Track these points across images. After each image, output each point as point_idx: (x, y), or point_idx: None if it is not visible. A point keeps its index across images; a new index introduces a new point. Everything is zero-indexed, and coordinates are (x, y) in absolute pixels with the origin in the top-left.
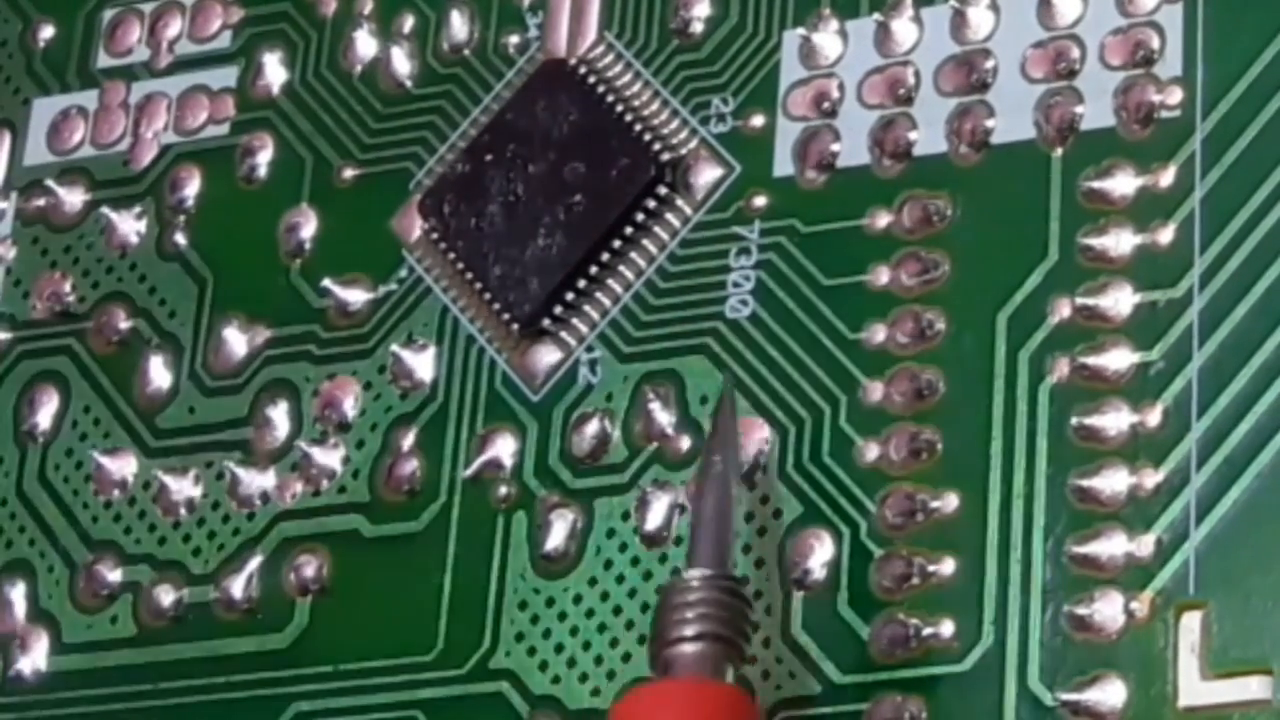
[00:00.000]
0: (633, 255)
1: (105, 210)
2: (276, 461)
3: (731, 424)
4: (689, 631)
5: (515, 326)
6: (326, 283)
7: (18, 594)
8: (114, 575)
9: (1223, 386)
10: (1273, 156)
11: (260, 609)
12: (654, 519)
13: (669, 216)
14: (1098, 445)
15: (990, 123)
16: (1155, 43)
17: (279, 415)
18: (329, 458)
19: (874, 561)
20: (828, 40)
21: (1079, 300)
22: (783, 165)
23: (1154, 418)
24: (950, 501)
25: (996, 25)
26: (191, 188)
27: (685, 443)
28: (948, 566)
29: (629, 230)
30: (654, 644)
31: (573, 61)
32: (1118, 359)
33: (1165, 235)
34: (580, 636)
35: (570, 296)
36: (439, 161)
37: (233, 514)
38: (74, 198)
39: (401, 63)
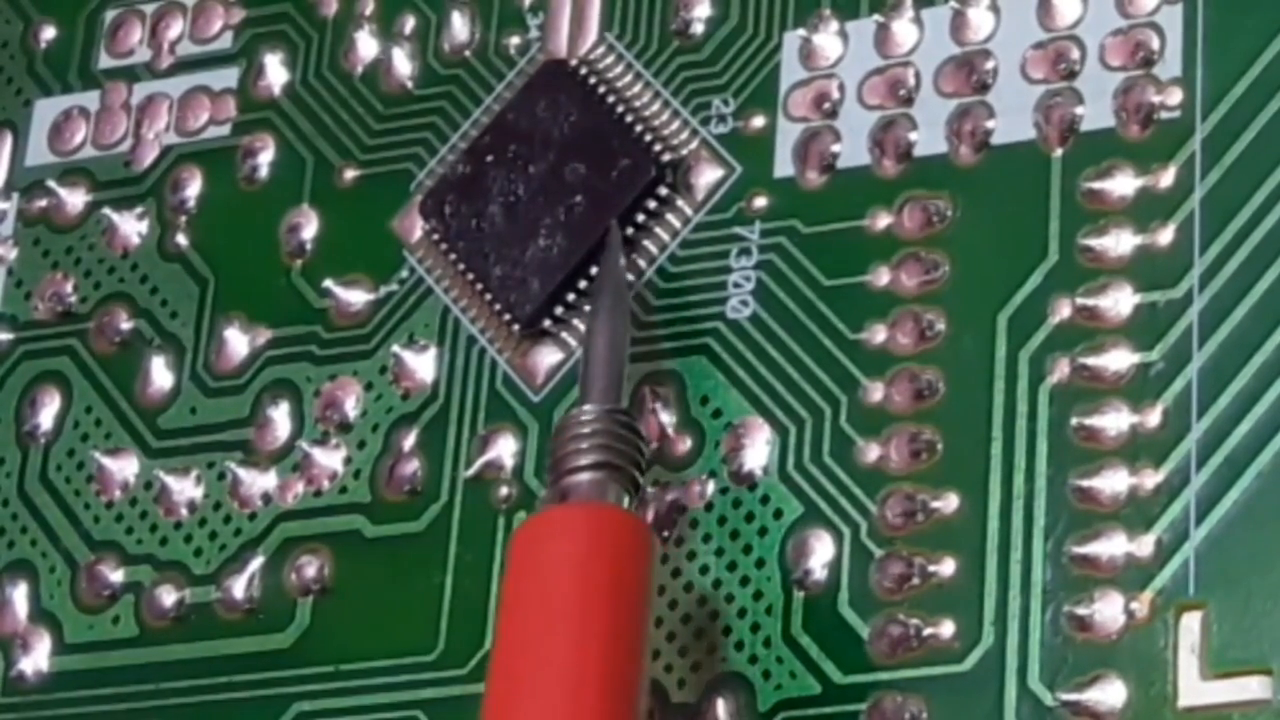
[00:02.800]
0: (633, 256)
1: (107, 211)
2: (278, 462)
3: (618, 264)
4: (584, 461)
5: (516, 327)
6: (328, 283)
7: (20, 594)
8: (116, 575)
9: (1223, 387)
10: (1273, 156)
11: (262, 609)
12: (655, 519)
13: (669, 217)
14: (1098, 446)
15: (990, 123)
16: (1155, 43)
17: (280, 416)
18: (330, 458)
19: (874, 561)
20: (828, 41)
21: (1079, 301)
22: (783, 166)
23: (1154, 418)
24: (950, 502)
25: (997, 26)
26: (193, 188)
27: (686, 443)
28: (948, 567)
29: (629, 231)
30: (551, 474)
31: (573, 62)
32: (1118, 359)
33: (1165, 236)
34: None
35: (571, 297)
36: (440, 162)
37: (234, 514)
38: (75, 198)
39: (402, 63)
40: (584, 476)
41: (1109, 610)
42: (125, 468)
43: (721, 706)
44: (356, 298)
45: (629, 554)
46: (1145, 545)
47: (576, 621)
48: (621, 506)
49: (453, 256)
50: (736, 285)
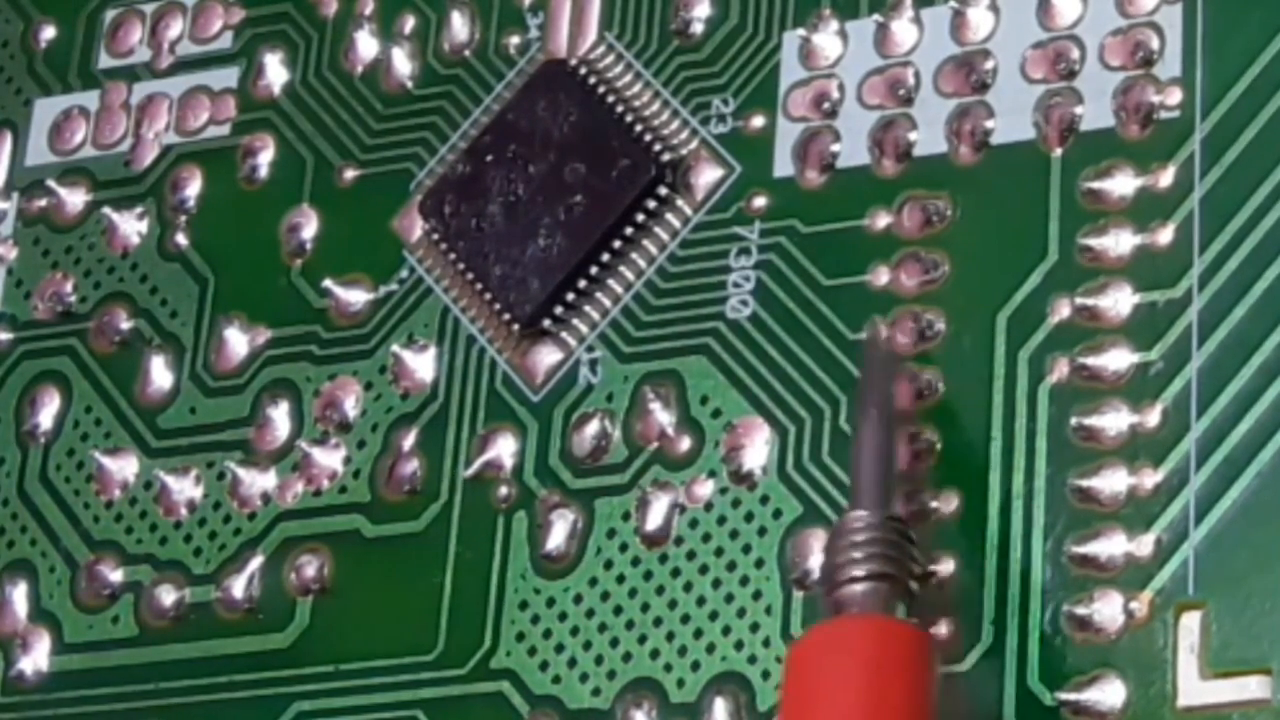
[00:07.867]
0: (633, 256)
1: (107, 211)
2: (277, 462)
3: (885, 364)
4: (858, 572)
5: (516, 326)
6: (327, 283)
7: (19, 594)
8: (115, 575)
9: (1222, 386)
10: (1272, 156)
11: (261, 609)
12: (654, 519)
13: (669, 217)
14: (1097, 445)
15: (990, 123)
16: (1155, 43)
17: (280, 415)
18: (330, 458)
19: None
20: (828, 41)
21: (1079, 300)
22: (783, 166)
23: (1153, 418)
24: (950, 501)
25: (996, 26)
26: (193, 188)
27: (685, 443)
28: (948, 566)
29: (629, 231)
30: (824, 586)
31: (573, 62)
32: (1117, 359)
33: (1165, 235)
34: (581, 636)
35: (571, 297)
36: (440, 162)
37: (234, 514)
38: (75, 198)
39: (402, 63)
40: (860, 588)
41: (1108, 610)
42: (125, 467)
43: (721, 706)
44: (356, 297)
45: (913, 668)
46: (1145, 545)
47: None
48: (899, 618)
49: (452, 256)
50: (736, 285)
